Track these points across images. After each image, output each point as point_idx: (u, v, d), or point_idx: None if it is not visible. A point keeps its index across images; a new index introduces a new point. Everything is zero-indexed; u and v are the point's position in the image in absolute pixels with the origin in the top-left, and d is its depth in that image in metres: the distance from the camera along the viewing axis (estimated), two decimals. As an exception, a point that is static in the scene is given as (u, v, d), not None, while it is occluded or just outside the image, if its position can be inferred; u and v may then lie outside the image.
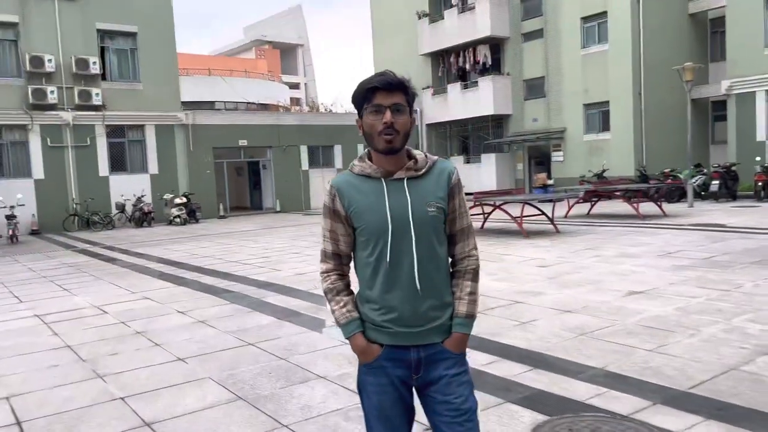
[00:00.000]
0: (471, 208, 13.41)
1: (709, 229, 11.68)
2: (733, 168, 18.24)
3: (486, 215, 13.91)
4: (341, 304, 1.97)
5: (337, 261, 2.00)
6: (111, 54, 21.30)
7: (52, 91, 19.46)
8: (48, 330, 6.22)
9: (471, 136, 28.46)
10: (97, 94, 20.29)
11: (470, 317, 1.98)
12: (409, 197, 1.89)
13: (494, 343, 5.00)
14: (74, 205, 20.07)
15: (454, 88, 27.29)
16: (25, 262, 12.35)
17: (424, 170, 1.94)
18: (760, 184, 16.76)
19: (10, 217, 16.79)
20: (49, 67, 19.39)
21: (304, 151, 25.62)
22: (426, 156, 1.98)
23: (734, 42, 20.10)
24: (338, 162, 26.43)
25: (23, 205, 17.90)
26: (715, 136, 23.99)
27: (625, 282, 7.17)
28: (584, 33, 23.11)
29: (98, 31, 20.72)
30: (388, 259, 1.88)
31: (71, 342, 5.68)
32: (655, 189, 16.47)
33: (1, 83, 19.19)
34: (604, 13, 22.26)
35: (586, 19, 22.93)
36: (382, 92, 1.86)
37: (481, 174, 26.46)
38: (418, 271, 1.89)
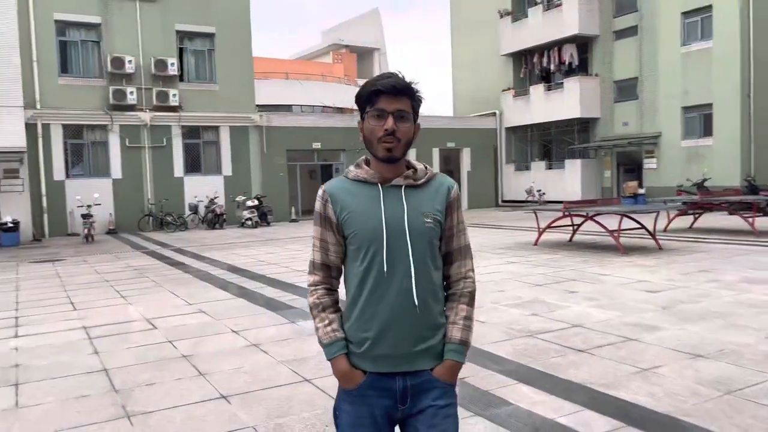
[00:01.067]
0: (559, 218, 12.17)
1: None
2: None
3: (575, 227, 12.60)
4: (326, 321, 1.82)
5: (326, 273, 1.86)
6: (188, 55, 21.35)
7: (131, 92, 19.64)
8: (90, 347, 5.61)
9: (554, 141, 26.86)
10: (174, 95, 20.34)
11: (465, 344, 1.84)
12: (405, 205, 1.78)
13: (610, 400, 3.89)
14: (149, 206, 20.17)
15: (537, 90, 25.82)
16: (94, 263, 12.15)
17: (422, 180, 1.84)
18: None
19: (86, 216, 16.92)
20: (129, 68, 19.58)
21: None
22: (426, 168, 1.88)
23: None
24: (412, 166, 25.53)
25: (99, 204, 18.06)
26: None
27: (766, 317, 5.84)
28: (685, 29, 21.15)
29: (177, 32, 20.79)
30: (385, 268, 1.74)
31: (110, 364, 5.02)
32: (770, 202, 14.53)
33: (85, 84, 19.54)
34: (708, 7, 20.27)
35: (687, 13, 20.98)
36: (386, 96, 1.75)
37: (564, 181, 24.85)
38: (416, 283, 1.75)
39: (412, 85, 1.78)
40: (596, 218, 11.47)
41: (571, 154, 25.29)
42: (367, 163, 1.87)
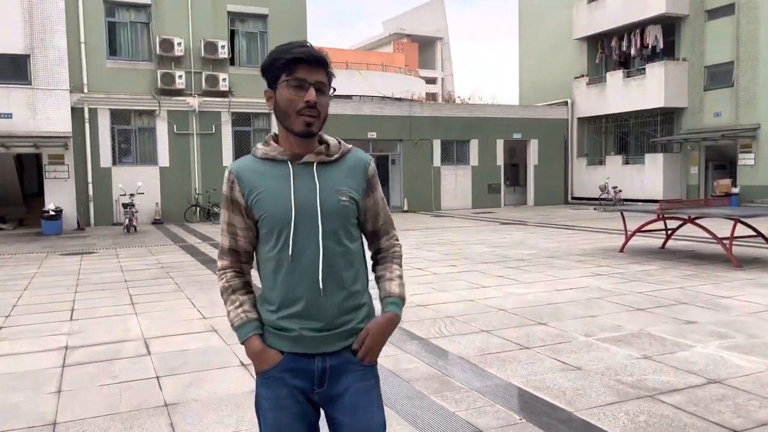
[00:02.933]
0: (653, 221, 10.25)
1: None
2: None
3: (670, 232, 10.64)
4: (236, 303, 1.71)
5: (235, 258, 1.74)
6: (240, 37, 20.29)
7: (180, 76, 18.74)
8: (56, 381, 4.33)
9: (631, 133, 24.45)
10: (224, 80, 19.32)
11: (403, 299, 1.79)
12: (318, 183, 1.67)
13: None
14: (196, 196, 19.28)
15: (615, 77, 23.49)
16: (123, 258, 11.13)
17: (336, 156, 1.73)
18: None
19: (127, 206, 16.08)
20: (178, 50, 18.66)
21: (437, 145, 23.27)
22: (339, 142, 1.76)
23: None
24: (473, 159, 23.78)
25: (143, 193, 17.21)
26: None
27: None
28: (794, 5, 18.47)
29: (228, 13, 19.75)
30: (290, 252, 1.63)
31: (64, 415, 3.69)
32: None
33: (133, 67, 18.77)
34: (824, -21, 17.56)
35: (797, -13, 18.30)
36: (306, 66, 1.62)
37: (643, 178, 22.51)
38: (323, 265, 1.65)
39: (327, 58, 1.67)
40: (699, 222, 9.52)
41: (652, 148, 22.88)
42: (275, 139, 1.76)
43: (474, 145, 23.85)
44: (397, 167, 23.13)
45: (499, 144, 24.26)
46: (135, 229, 16.11)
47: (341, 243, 1.69)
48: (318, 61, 1.64)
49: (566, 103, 25.62)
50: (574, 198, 25.46)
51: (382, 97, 34.66)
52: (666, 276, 8.10)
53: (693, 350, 4.78)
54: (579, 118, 25.50)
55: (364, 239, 1.82)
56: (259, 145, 1.76)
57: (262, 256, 1.71)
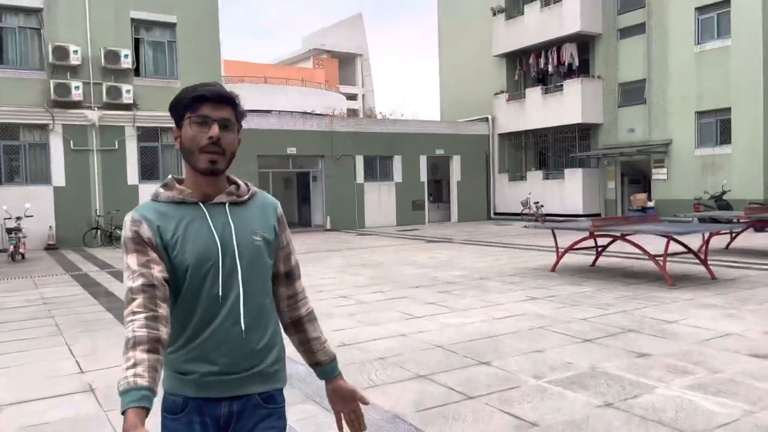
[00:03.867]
0: (585, 239, 9.91)
1: None
2: None
3: (600, 249, 10.35)
4: (131, 362, 1.40)
5: (150, 294, 1.49)
6: (146, 47, 18.86)
7: (77, 87, 17.09)
8: None
9: (551, 149, 24.75)
10: (128, 91, 17.81)
11: (335, 360, 1.83)
12: (232, 223, 1.63)
13: None
14: (96, 218, 17.57)
15: (534, 93, 23.72)
16: (0, 292, 9.60)
17: (246, 197, 1.70)
18: None
19: (12, 231, 14.27)
20: (74, 59, 17.03)
21: (359, 161, 22.58)
22: (247, 184, 1.74)
23: None
24: (397, 175, 23.25)
25: (31, 216, 15.39)
26: None
27: None
28: (699, 26, 19.22)
29: (133, 20, 18.30)
30: (220, 292, 1.58)
31: None
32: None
33: (21, 76, 16.94)
34: (726, 2, 18.34)
35: (702, 9, 19.07)
36: (210, 103, 1.60)
37: (563, 192, 22.73)
38: (244, 305, 1.61)
39: (234, 96, 1.66)
40: (632, 239, 9.24)
41: (571, 163, 23.20)
42: (179, 182, 1.68)
43: (397, 161, 23.36)
44: (318, 184, 22.24)
45: (423, 160, 23.89)
46: (22, 257, 14.31)
47: (257, 282, 1.67)
48: (223, 99, 1.63)
49: (487, 119, 25.67)
50: (496, 213, 25.45)
51: (303, 112, 33.77)
52: (604, 298, 7.66)
53: (657, 392, 4.19)
54: (500, 134, 25.60)
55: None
56: (161, 190, 1.66)
57: (175, 298, 1.60)
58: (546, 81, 24.39)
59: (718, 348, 5.25)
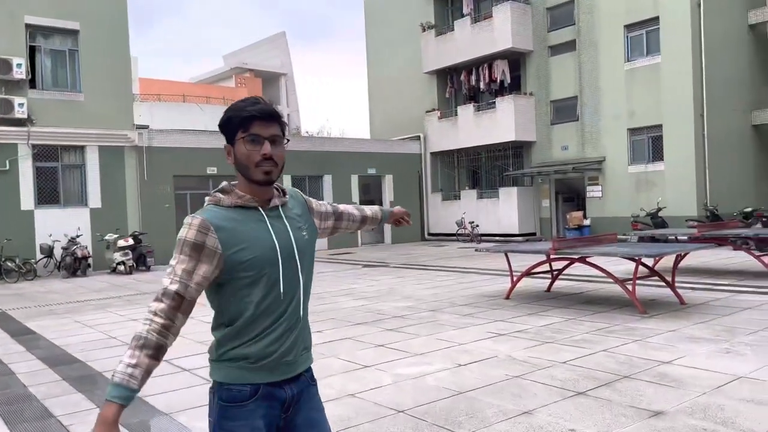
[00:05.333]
0: (543, 263, 9.03)
1: None
2: None
3: (556, 273, 9.50)
4: (133, 362, 1.62)
5: (176, 304, 1.69)
6: (43, 56, 16.82)
7: (-42, 99, 14.86)
8: None
9: (485, 167, 24.25)
10: (21, 105, 15.72)
11: (384, 210, 2.47)
12: (287, 223, 1.86)
13: None
14: (-19, 249, 15.28)
15: (466, 111, 23.18)
16: None
17: (287, 197, 1.93)
18: None
19: None
20: (-45, 67, 14.84)
21: (287, 181, 21.14)
22: (279, 186, 1.94)
23: None
24: (327, 195, 21.98)
25: None
26: (781, 170, 20.09)
27: None
28: (629, 43, 19.24)
29: (27, 26, 16.28)
30: (282, 290, 1.78)
31: None
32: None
33: None
34: (655, 19, 18.43)
35: (631, 26, 19.09)
36: (259, 122, 1.78)
37: (498, 211, 22.17)
38: (304, 295, 1.87)
39: (280, 113, 1.86)
40: (593, 261, 8.42)
41: (505, 182, 22.73)
42: (236, 188, 1.86)
43: (327, 181, 22.12)
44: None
45: (354, 179, 22.78)
46: None
47: (311, 270, 1.93)
48: (271, 117, 1.80)
49: (419, 137, 24.94)
50: (431, 234, 24.63)
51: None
52: (577, 332, 6.71)
53: (702, 476, 3.16)
54: (432, 153, 24.89)
55: None
56: (221, 195, 1.83)
57: (236, 298, 1.76)
58: (478, 98, 23.95)
59: (736, 398, 4.33)
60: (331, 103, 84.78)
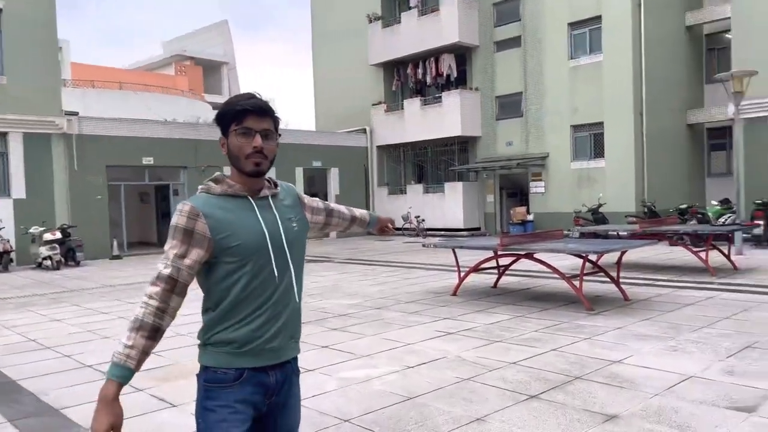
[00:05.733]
0: (490, 258, 8.92)
1: None
2: (773, 204, 14.74)
3: (503, 269, 9.42)
4: (130, 343, 1.72)
5: (170, 286, 1.77)
6: (-40, 34, 15.59)
7: None
8: None
9: (431, 161, 24.18)
10: (-66, 87, 14.50)
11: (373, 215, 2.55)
12: (277, 214, 1.92)
13: None
14: None
15: (412, 105, 23.03)
16: None
17: (278, 191, 2.00)
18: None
19: None
20: None
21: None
22: (272, 179, 2.01)
23: (742, 59, 16.61)
24: (271, 188, 21.36)
25: None
26: (712, 168, 20.86)
27: None
28: (572, 41, 19.49)
29: (-58, 0, 15.03)
30: (276, 274, 1.86)
31: None
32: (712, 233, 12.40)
33: None
34: (597, 18, 18.72)
35: (574, 24, 19.33)
36: (252, 116, 1.86)
37: (444, 206, 22.16)
38: (296, 282, 1.93)
39: (273, 109, 1.91)
40: (540, 257, 8.35)
41: (451, 177, 22.71)
42: (229, 178, 1.92)
43: (271, 173, 21.40)
44: (180, 198, 19.80)
45: (299, 172, 22.27)
46: None
47: (301, 260, 1.99)
48: (264, 112, 1.87)
49: (365, 130, 24.63)
50: (376, 228, 24.36)
51: (165, 121, 30.87)
52: (526, 330, 6.59)
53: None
54: (379, 147, 24.64)
55: None
56: (212, 184, 1.91)
57: (224, 283, 1.83)
58: (424, 92, 23.83)
59: (689, 399, 4.25)
60: (276, 95, 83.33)
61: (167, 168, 19.41)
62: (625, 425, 3.83)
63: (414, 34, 22.62)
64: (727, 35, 18.81)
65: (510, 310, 7.72)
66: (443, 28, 21.62)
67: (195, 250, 1.78)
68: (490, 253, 8.76)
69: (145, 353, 1.73)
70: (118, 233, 18.24)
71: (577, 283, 7.68)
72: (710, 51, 20.62)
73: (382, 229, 2.54)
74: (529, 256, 8.41)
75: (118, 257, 17.24)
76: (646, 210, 16.98)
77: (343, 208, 2.35)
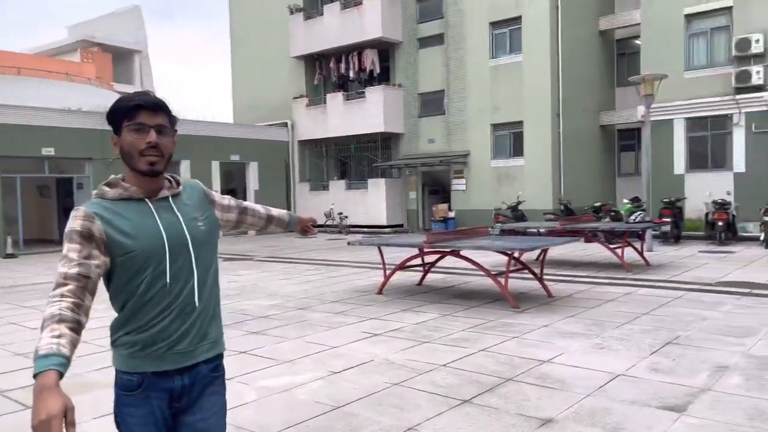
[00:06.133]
0: (416, 256, 8.75)
1: (746, 292, 8.06)
2: (678, 204, 15.51)
3: (428, 266, 9.28)
4: (56, 333, 1.51)
5: (82, 284, 1.63)
6: None
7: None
8: None
9: (353, 157, 23.89)
10: None
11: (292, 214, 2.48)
12: (179, 214, 1.84)
13: None
14: None
15: (335, 99, 22.65)
16: None
17: (180, 189, 1.91)
18: (720, 223, 13.98)
19: None
20: None
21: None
22: (174, 177, 1.95)
23: (650, 63, 17.46)
24: (186, 183, 20.37)
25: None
26: (621, 168, 21.81)
27: None
28: (494, 40, 19.75)
29: None
30: (168, 280, 1.77)
31: None
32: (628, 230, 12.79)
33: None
34: (517, 19, 19.05)
35: (495, 24, 19.60)
36: (145, 111, 1.78)
37: (367, 202, 21.95)
38: (198, 285, 1.84)
39: (167, 104, 1.83)
40: (466, 255, 8.26)
41: (374, 173, 22.52)
42: (123, 180, 1.84)
43: (185, 167, 20.48)
44: (85, 192, 18.46)
45: (215, 166, 21.38)
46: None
47: (209, 262, 1.88)
48: (157, 107, 1.78)
49: (286, 124, 24.00)
50: (297, 225, 23.82)
51: (68, 109, 28.85)
52: (453, 329, 6.44)
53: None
54: (300, 141, 24.10)
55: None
56: (106, 188, 1.81)
57: (125, 288, 1.76)
58: (347, 87, 23.50)
59: (619, 400, 4.19)
60: (191, 86, 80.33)
61: (70, 160, 18.06)
62: (560, 429, 3.70)
63: (337, 28, 22.25)
64: (636, 41, 19.67)
65: (436, 309, 7.56)
66: (366, 23, 21.38)
67: (96, 251, 1.70)
68: (416, 251, 8.59)
69: (73, 345, 1.53)
70: (14, 229, 16.78)
71: (502, 280, 7.63)
72: (621, 55, 21.49)
73: (303, 229, 2.50)
74: (455, 253, 8.30)
75: (12, 255, 15.84)
76: (562, 208, 17.46)
77: (259, 207, 2.27)
